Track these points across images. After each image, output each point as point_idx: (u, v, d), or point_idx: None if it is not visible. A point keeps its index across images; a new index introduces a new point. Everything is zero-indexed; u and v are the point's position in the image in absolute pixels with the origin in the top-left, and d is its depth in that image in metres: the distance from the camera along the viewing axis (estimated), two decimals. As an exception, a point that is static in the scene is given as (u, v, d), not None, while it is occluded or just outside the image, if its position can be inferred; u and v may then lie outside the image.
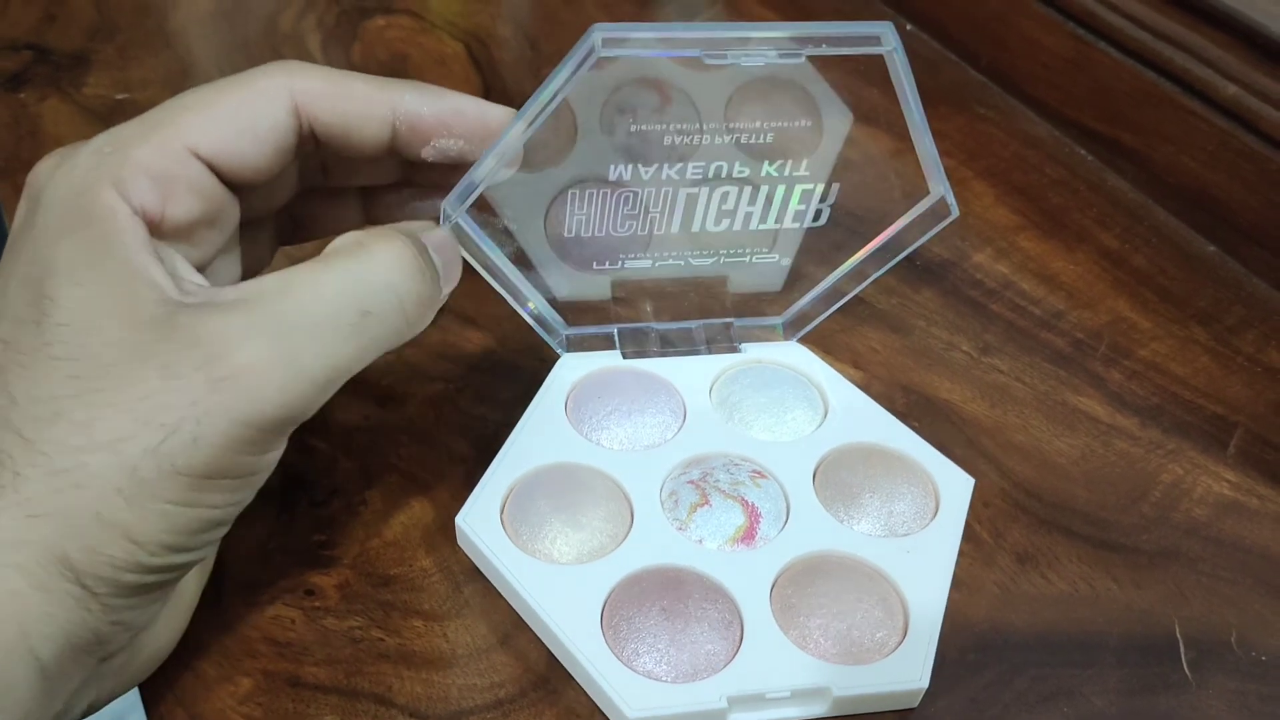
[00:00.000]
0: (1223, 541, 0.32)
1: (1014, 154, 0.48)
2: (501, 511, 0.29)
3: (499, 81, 0.50)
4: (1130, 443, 0.35)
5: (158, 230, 0.25)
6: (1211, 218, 0.43)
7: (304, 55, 0.50)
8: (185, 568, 0.24)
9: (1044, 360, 0.37)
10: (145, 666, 0.25)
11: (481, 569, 0.29)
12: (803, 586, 0.28)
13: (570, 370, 0.33)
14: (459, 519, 0.29)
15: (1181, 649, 0.29)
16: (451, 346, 0.35)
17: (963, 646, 0.28)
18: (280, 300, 0.24)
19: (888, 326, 0.38)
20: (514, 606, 0.28)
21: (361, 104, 0.28)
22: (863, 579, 0.28)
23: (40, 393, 0.22)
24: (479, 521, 0.29)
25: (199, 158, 0.26)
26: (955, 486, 0.31)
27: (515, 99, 0.48)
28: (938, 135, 0.47)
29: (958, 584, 0.29)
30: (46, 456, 0.22)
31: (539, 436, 0.31)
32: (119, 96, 0.46)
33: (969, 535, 0.31)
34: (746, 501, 0.30)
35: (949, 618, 0.28)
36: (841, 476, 0.31)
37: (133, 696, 0.26)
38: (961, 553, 0.30)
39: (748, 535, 0.29)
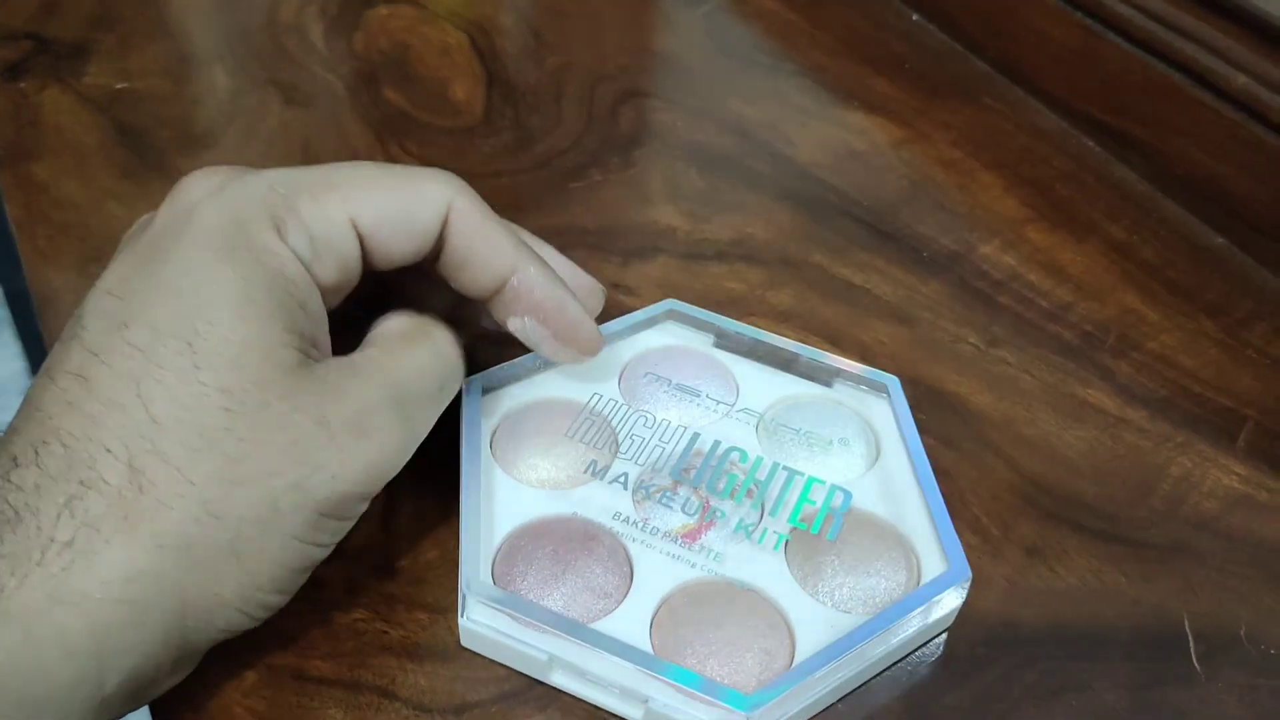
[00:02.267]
0: (1232, 535, 0.31)
1: (1022, 146, 0.47)
2: (492, 435, 0.31)
3: (502, 72, 0.50)
4: (1139, 435, 0.34)
5: None
6: (1221, 210, 0.43)
7: (305, 45, 0.50)
8: (268, 613, 0.25)
9: (1052, 352, 0.37)
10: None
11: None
12: (703, 602, 0.27)
13: (659, 336, 0.34)
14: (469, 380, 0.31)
15: (1191, 643, 0.29)
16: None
17: (971, 640, 0.28)
18: (395, 372, 0.26)
19: (894, 318, 0.38)
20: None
21: (493, 253, 0.28)
22: (764, 629, 0.27)
23: (190, 419, 0.23)
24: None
25: (357, 232, 0.26)
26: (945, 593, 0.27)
27: (517, 89, 0.48)
28: (944, 127, 0.47)
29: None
30: (195, 487, 0.22)
31: (579, 373, 0.32)
32: (119, 86, 0.46)
33: (977, 529, 0.31)
34: (708, 508, 0.29)
35: (957, 611, 0.28)
36: (819, 542, 0.28)
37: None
38: (969, 546, 0.30)
39: (689, 535, 0.28)
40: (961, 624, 0.28)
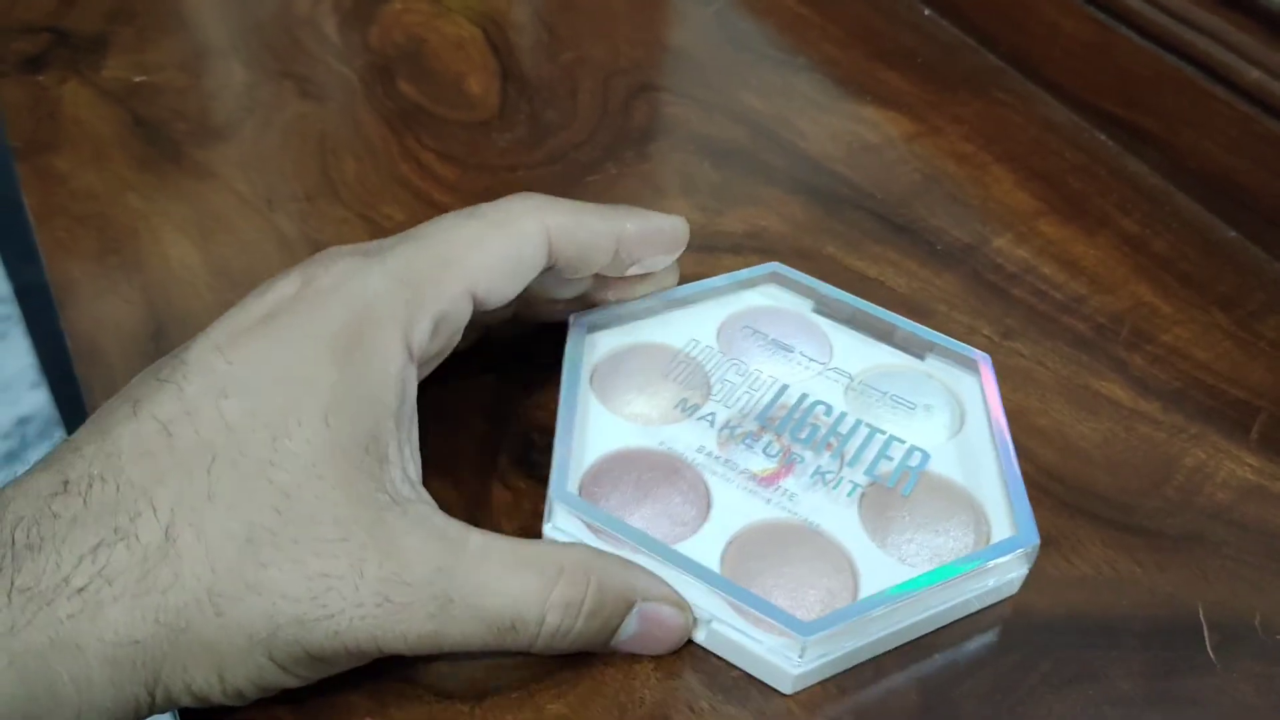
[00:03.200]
0: (1246, 525, 0.32)
1: (1033, 139, 0.47)
2: (593, 372, 0.32)
3: (516, 66, 0.50)
4: (1153, 427, 0.34)
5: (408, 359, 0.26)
6: (1233, 203, 0.43)
7: (320, 38, 0.50)
8: (221, 705, 0.24)
9: (1065, 345, 0.37)
10: None
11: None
12: (774, 539, 0.28)
13: (759, 297, 0.36)
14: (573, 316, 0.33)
15: (1205, 632, 0.29)
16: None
17: (986, 629, 0.28)
18: (464, 581, 0.24)
19: (909, 311, 0.38)
20: None
21: (593, 236, 0.30)
22: (829, 570, 0.28)
23: (243, 509, 0.23)
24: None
25: (473, 298, 0.27)
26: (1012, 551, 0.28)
27: (532, 83, 0.49)
28: (956, 121, 0.47)
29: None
30: (213, 575, 0.22)
31: (680, 323, 0.34)
32: (137, 79, 0.46)
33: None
34: (789, 453, 0.30)
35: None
36: (893, 497, 0.29)
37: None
38: (984, 536, 0.30)
39: (769, 478, 0.29)
40: (976, 612, 0.28)
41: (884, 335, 0.34)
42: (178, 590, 0.22)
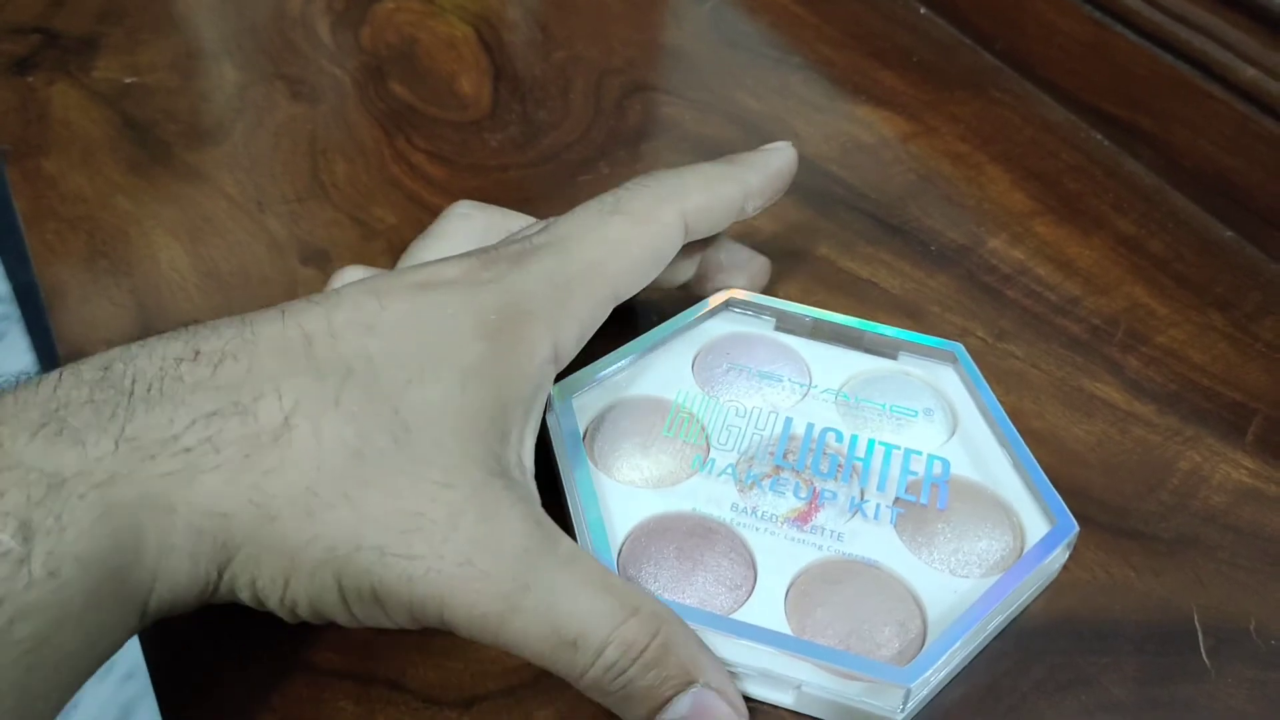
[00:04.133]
0: (1241, 529, 0.31)
1: (1029, 139, 0.47)
2: (587, 429, 0.31)
3: (509, 65, 0.50)
4: (1148, 429, 0.34)
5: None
6: (1229, 203, 0.43)
7: (312, 39, 0.50)
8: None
9: (1060, 346, 0.37)
10: None
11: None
12: (830, 581, 0.27)
13: (722, 324, 0.35)
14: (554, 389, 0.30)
15: (1200, 637, 0.28)
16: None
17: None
18: (547, 573, 0.23)
19: (902, 312, 0.38)
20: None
21: (726, 204, 0.30)
22: (894, 601, 0.27)
23: (369, 425, 0.23)
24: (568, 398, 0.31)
25: (615, 300, 0.28)
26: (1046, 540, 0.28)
27: (524, 82, 0.48)
28: (952, 120, 0.47)
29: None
30: (317, 473, 0.22)
31: (654, 370, 0.33)
32: (128, 80, 0.46)
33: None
34: (815, 489, 0.29)
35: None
36: (929, 513, 0.29)
37: (144, 683, 0.26)
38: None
39: (800, 517, 0.29)
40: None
41: (853, 342, 0.34)
42: (278, 477, 0.22)
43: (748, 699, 0.26)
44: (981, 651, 0.28)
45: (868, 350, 0.34)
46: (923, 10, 0.55)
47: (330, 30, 0.51)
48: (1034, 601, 0.29)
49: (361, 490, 0.22)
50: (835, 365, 0.33)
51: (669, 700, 0.23)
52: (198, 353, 0.23)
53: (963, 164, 0.45)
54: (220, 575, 0.22)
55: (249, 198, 0.40)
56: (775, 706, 0.26)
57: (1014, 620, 0.28)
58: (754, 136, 0.46)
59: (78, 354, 0.34)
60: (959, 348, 0.33)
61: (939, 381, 0.33)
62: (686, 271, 0.33)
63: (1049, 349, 0.37)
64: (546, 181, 0.43)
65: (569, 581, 0.23)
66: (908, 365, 0.34)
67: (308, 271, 0.37)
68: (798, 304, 0.34)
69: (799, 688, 0.26)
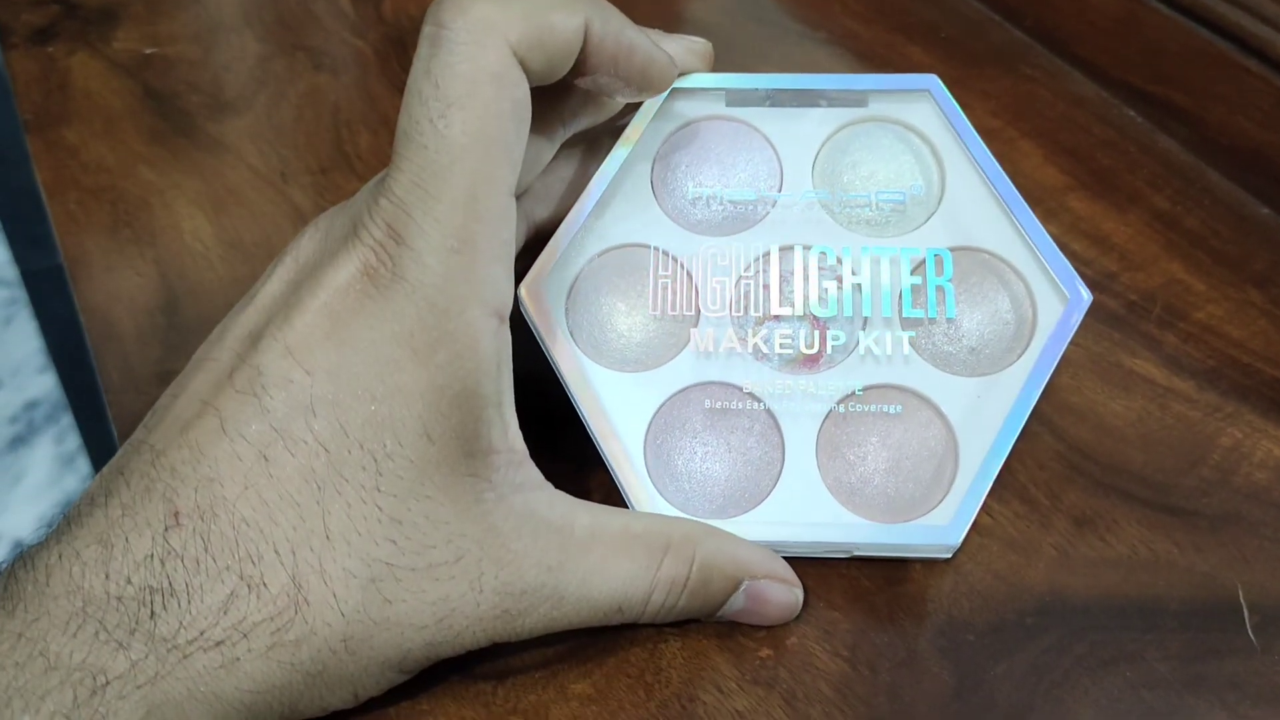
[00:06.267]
0: (1285, 506, 0.31)
1: (1061, 114, 0.46)
2: (567, 297, 0.29)
3: (532, 39, 0.49)
4: (1187, 406, 0.34)
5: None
6: (1266, 179, 0.42)
7: (334, 10, 0.49)
8: None
9: (1097, 322, 0.36)
10: None
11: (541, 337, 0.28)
12: (855, 428, 0.28)
13: (668, 120, 0.31)
14: (522, 287, 0.28)
15: (1245, 613, 0.28)
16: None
17: (1021, 610, 0.28)
18: (573, 570, 0.24)
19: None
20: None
21: (564, 29, 0.27)
22: (921, 429, 0.28)
23: (359, 544, 0.23)
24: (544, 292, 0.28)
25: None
26: (1059, 310, 0.28)
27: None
28: (983, 96, 0.46)
29: (1014, 546, 0.29)
30: (343, 620, 0.22)
31: (619, 211, 0.30)
32: (148, 51, 0.45)
33: (1025, 497, 0.30)
34: (816, 319, 0.29)
35: (1006, 580, 0.28)
36: (939, 325, 0.29)
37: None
38: (1017, 514, 0.30)
39: (810, 360, 0.28)
40: (1010, 593, 0.28)
41: (815, 101, 0.31)
42: (310, 641, 0.22)
43: (802, 559, 0.27)
44: (1022, 623, 0.27)
45: (834, 105, 0.31)
46: (950, -14, 0.54)
47: (351, 1, 0.50)
48: (1074, 578, 0.28)
49: (388, 610, 0.23)
50: (803, 133, 0.31)
51: (723, 604, 0.26)
52: (177, 514, 0.22)
53: (994, 139, 0.44)
54: (289, 717, 0.23)
55: (272, 169, 0.40)
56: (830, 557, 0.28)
57: (1055, 596, 0.28)
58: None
59: (102, 324, 0.34)
60: (934, 80, 0.31)
61: (917, 122, 0.31)
62: (609, 89, 0.29)
63: (1086, 324, 0.36)
64: (572, 154, 0.42)
65: (596, 562, 0.24)
66: (877, 110, 0.31)
67: (333, 243, 0.37)
68: (747, 75, 0.31)
69: (850, 554, 0.27)
